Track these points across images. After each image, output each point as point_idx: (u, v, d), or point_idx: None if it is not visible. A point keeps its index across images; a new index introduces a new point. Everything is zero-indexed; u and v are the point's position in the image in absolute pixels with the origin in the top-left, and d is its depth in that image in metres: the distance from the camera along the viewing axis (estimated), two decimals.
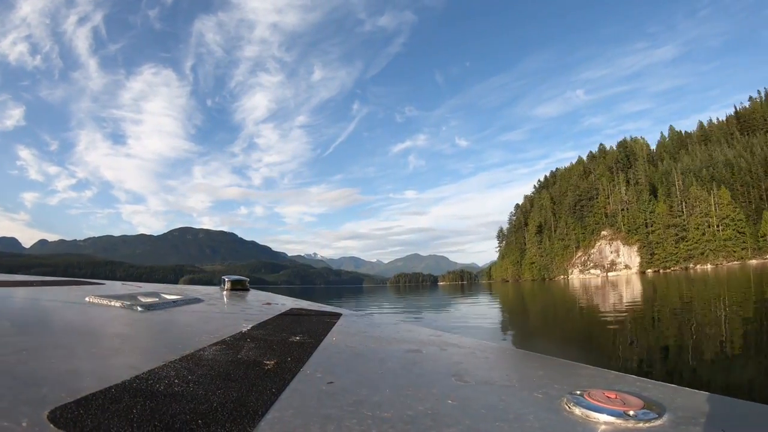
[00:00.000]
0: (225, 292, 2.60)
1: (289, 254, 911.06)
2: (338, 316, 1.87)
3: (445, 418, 0.70)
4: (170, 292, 2.05)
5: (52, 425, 0.53)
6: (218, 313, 1.69)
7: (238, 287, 2.73)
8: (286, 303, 2.27)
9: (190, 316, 1.50)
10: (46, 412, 0.56)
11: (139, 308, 1.48)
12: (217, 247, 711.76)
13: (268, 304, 2.13)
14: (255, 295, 2.55)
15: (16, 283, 2.12)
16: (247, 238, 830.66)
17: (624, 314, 11.61)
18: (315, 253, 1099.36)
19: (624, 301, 16.67)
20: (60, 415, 0.55)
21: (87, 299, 1.59)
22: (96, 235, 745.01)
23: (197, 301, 1.91)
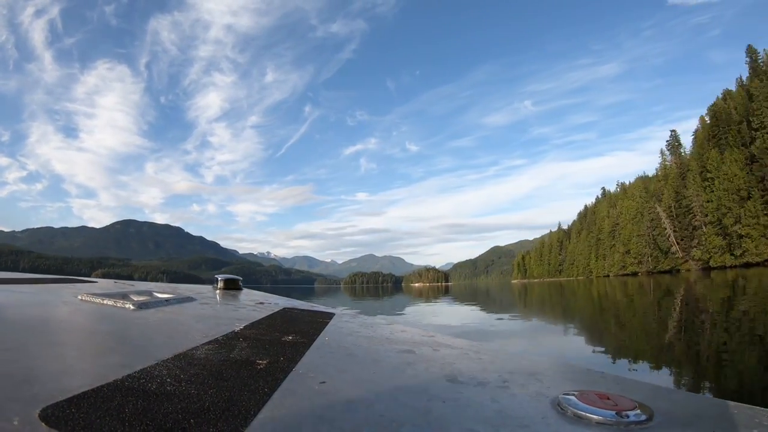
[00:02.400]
0: (218, 291, 2.58)
1: (241, 252, 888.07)
2: (331, 315, 1.89)
3: (438, 419, 0.70)
4: (163, 291, 2.05)
5: (43, 424, 0.53)
6: (211, 312, 1.67)
7: (231, 286, 2.70)
8: (279, 302, 2.26)
9: (182, 315, 1.49)
10: (37, 410, 0.56)
11: (131, 307, 1.47)
12: (161, 241, 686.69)
13: (261, 303, 2.11)
14: (248, 295, 2.53)
15: (8, 280, 2.08)
16: (198, 234, 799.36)
17: None
18: (268, 252, 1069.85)
19: None
20: (52, 414, 0.55)
21: (79, 297, 1.59)
22: (35, 227, 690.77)
23: (190, 299, 1.90)
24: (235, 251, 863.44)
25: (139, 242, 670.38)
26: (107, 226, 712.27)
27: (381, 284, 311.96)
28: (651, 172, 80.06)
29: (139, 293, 1.86)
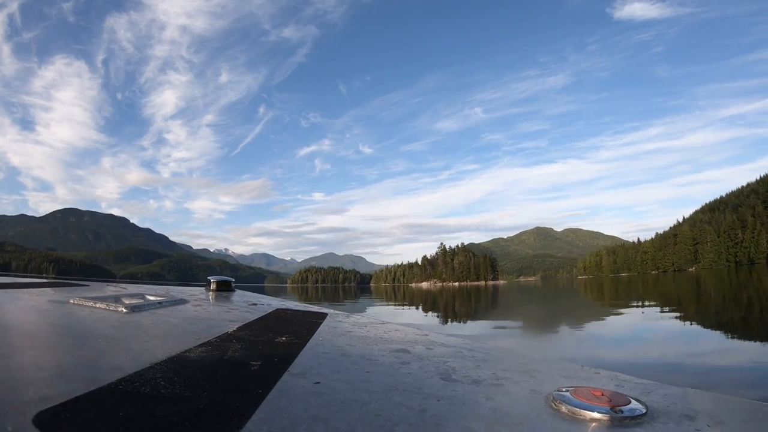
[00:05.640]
0: (210, 293, 2.57)
1: (195, 248, 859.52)
2: (324, 316, 1.89)
3: (433, 417, 0.70)
4: (155, 293, 2.05)
5: (37, 429, 0.52)
6: (203, 314, 1.67)
7: (223, 288, 2.70)
8: (271, 303, 2.26)
9: (175, 318, 1.49)
10: (31, 415, 0.55)
11: (124, 310, 1.46)
12: (102, 232, 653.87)
13: (254, 304, 2.11)
14: (240, 296, 2.53)
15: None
16: (146, 227, 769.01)
17: None
18: (226, 249, 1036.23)
19: None
20: (45, 418, 0.54)
21: (72, 301, 1.58)
22: None
23: (182, 302, 1.90)
24: (189, 246, 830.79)
25: (78, 232, 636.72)
26: (46, 215, 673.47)
27: (342, 283, 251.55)
28: None
29: (131, 296, 1.85)
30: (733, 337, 7.89)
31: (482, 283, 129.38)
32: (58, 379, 0.70)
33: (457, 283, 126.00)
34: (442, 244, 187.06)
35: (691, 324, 10.17)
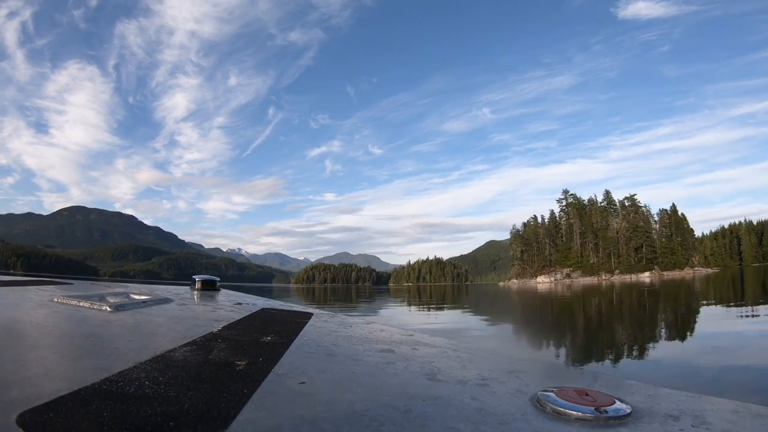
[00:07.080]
0: (195, 292, 2.57)
1: (207, 247, 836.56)
2: (309, 315, 1.88)
3: (419, 417, 0.70)
4: (139, 292, 2.03)
5: (21, 429, 0.52)
6: (188, 314, 1.66)
7: (208, 287, 2.68)
8: (257, 303, 2.26)
9: (159, 317, 1.48)
10: (14, 415, 0.54)
11: (108, 308, 1.44)
12: (109, 230, 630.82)
13: (239, 304, 2.11)
14: (226, 295, 2.52)
15: None
16: (155, 225, 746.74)
17: None
18: (239, 249, 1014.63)
19: None
20: (29, 419, 0.54)
21: (55, 299, 1.56)
22: None
23: (167, 301, 1.88)
24: (200, 245, 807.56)
25: (84, 230, 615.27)
26: (53, 213, 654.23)
27: (355, 283, 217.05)
28: None
29: (115, 295, 1.83)
30: None
31: (676, 273, 61.85)
32: (42, 378, 0.69)
33: (630, 276, 60.05)
34: (566, 191, 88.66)
35: None
